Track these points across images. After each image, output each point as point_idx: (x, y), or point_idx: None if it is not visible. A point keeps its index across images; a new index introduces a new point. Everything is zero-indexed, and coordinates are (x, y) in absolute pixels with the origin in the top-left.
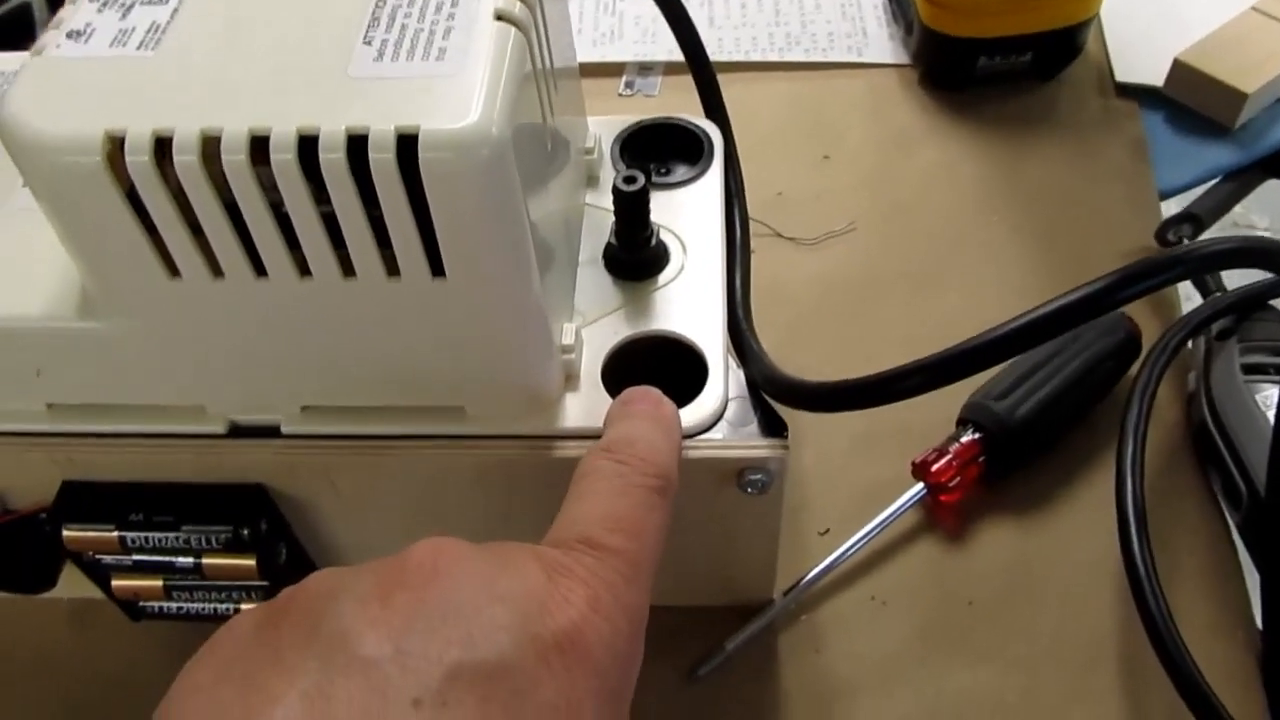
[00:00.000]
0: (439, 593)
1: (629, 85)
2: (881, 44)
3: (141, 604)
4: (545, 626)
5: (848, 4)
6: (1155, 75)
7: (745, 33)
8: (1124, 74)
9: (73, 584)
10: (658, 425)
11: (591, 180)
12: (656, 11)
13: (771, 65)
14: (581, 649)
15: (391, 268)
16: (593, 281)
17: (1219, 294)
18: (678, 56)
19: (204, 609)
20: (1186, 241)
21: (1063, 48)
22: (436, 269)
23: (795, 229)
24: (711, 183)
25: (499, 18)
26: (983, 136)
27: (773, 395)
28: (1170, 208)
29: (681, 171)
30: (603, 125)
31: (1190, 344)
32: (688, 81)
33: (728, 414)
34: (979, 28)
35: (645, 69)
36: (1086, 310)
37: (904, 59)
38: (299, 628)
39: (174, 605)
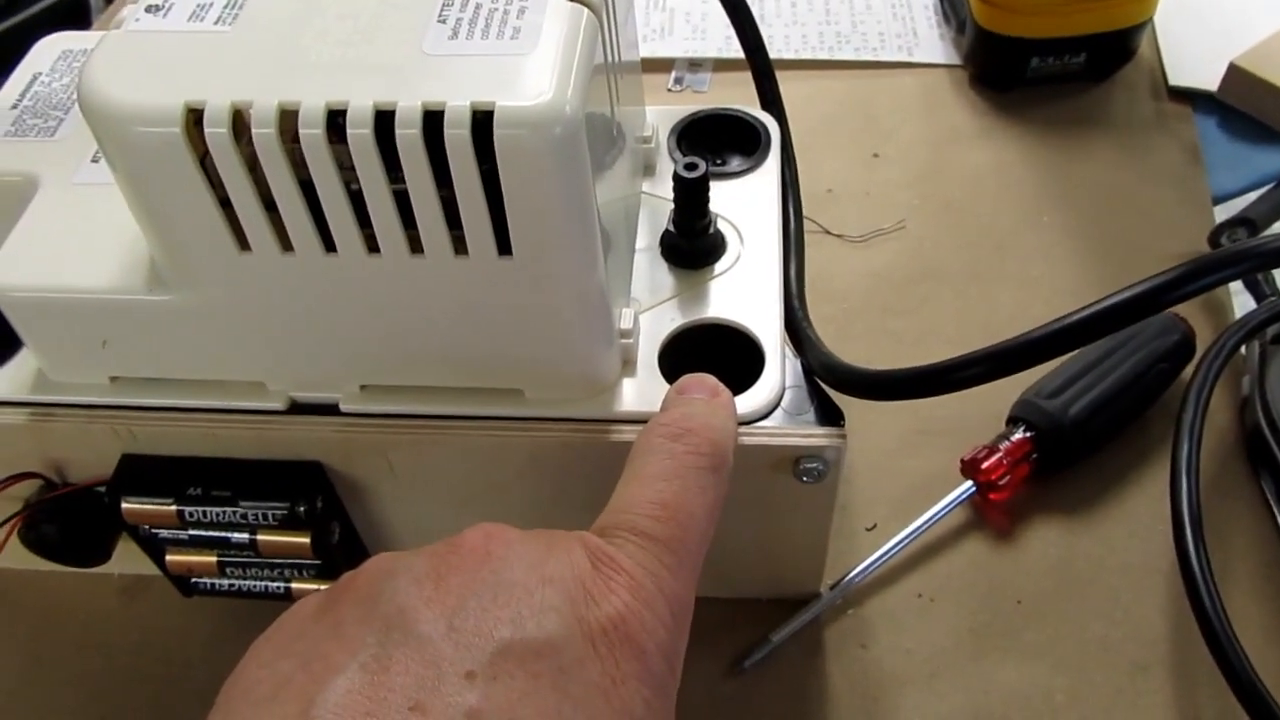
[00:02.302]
0: (490, 574)
1: (678, 81)
2: (932, 44)
3: (194, 579)
4: (590, 612)
5: (898, 4)
6: (1208, 80)
7: (795, 31)
8: (1177, 78)
9: (126, 558)
10: (714, 406)
11: (648, 169)
12: (707, 8)
13: (822, 64)
14: (625, 636)
15: (459, 246)
16: (649, 268)
17: (1274, 298)
18: (727, 53)
19: (255, 586)
20: None
21: (1116, 50)
22: (504, 248)
23: (844, 226)
24: (768, 174)
25: None
26: (1034, 137)
27: (830, 383)
28: (1221, 214)
29: (737, 163)
30: (660, 115)
31: (1244, 348)
32: (737, 78)
33: (784, 402)
34: (1033, 28)
35: (695, 65)
36: (1156, 301)
37: (955, 59)
38: (358, 606)
39: (226, 582)
